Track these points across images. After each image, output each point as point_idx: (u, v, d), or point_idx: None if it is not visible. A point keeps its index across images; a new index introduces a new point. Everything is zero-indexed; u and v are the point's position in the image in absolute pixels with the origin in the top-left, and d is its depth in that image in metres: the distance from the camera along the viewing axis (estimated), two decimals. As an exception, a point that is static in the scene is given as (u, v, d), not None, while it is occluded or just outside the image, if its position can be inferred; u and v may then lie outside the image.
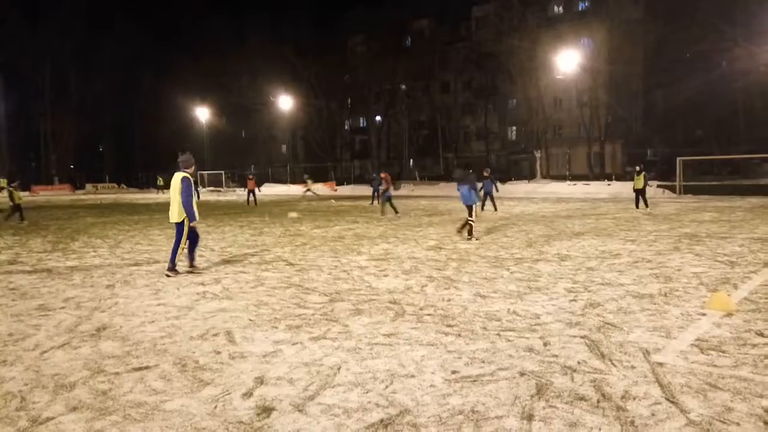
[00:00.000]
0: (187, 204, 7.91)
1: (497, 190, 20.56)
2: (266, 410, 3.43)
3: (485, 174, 19.52)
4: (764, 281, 7.03)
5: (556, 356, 4.37)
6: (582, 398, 3.55)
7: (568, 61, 37.88)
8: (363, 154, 67.77)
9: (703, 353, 4.38)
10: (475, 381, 3.89)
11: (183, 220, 8.03)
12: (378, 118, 64.36)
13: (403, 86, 60.86)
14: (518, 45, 46.44)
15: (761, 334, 4.82)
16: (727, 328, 5.04)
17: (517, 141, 57.15)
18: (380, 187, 19.45)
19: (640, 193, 19.39)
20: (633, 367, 4.09)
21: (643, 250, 9.88)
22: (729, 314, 5.46)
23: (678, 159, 29.28)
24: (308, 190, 37.92)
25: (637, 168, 19.58)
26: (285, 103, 55.97)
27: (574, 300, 6.25)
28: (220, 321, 5.58)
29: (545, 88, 48.14)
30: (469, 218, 11.73)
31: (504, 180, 37.92)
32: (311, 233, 14.12)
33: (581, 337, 4.85)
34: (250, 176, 28.18)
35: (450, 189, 38.44)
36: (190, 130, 71.08)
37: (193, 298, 6.63)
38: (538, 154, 42.32)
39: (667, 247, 10.17)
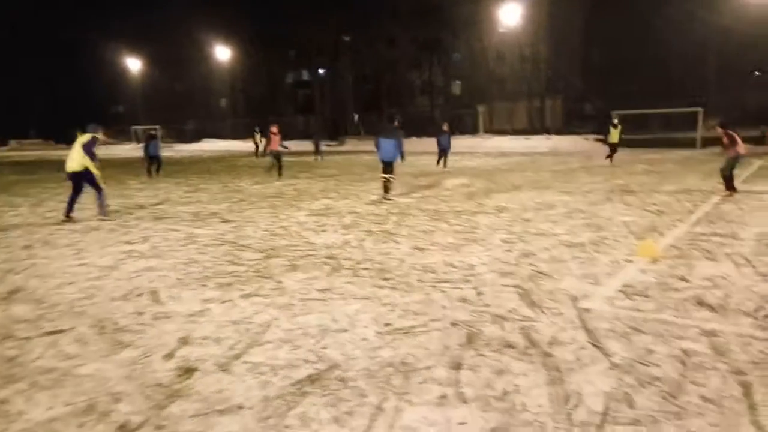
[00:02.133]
0: (90, 153, 8.95)
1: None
2: (188, 371, 3.28)
3: (444, 128, 18.78)
4: (688, 229, 7.33)
5: (488, 305, 4.39)
6: (510, 345, 3.58)
7: (510, 14, 37.79)
8: (306, 108, 66.20)
9: (628, 298, 4.51)
10: (407, 333, 3.85)
11: (87, 168, 8.98)
12: (321, 71, 62.72)
13: (347, 38, 59.32)
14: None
15: (684, 279, 5.00)
16: (652, 274, 5.21)
17: (461, 96, 57.16)
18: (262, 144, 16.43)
19: (614, 146, 18.91)
20: (561, 314, 4.15)
21: (577, 201, 10.13)
22: (655, 260, 5.65)
23: (612, 113, 30.02)
24: (258, 148, 29.84)
25: (614, 122, 19.02)
26: (222, 54, 53.61)
27: (509, 250, 6.32)
28: (146, 280, 5.31)
29: (488, 42, 48.06)
30: (391, 176, 10.97)
31: (433, 134, 37.91)
32: (250, 189, 13.72)
33: (513, 286, 4.89)
34: (153, 132, 23.85)
35: (394, 144, 38.22)
36: (122, 83, 67.36)
37: (118, 258, 6.29)
38: (481, 109, 42.56)
39: (600, 198, 10.46)
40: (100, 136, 9.27)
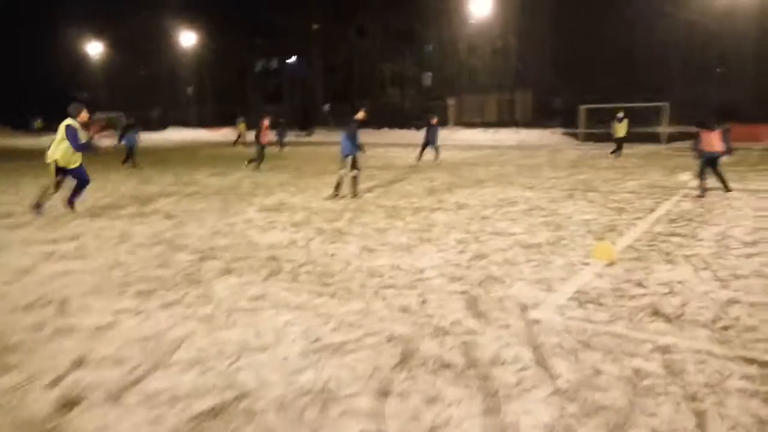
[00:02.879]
0: (81, 148, 8.35)
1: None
2: (71, 402, 2.83)
3: (433, 122, 18.06)
4: (648, 228, 7.11)
5: (431, 316, 4.03)
6: (447, 366, 3.22)
7: (480, 5, 37.54)
8: (275, 98, 65.03)
9: (580, 307, 4.20)
10: (336, 350, 3.46)
11: (81, 164, 8.60)
12: (290, 60, 61.63)
13: (316, 26, 58.32)
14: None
15: (640, 284, 4.73)
16: (608, 278, 4.92)
17: (432, 87, 56.80)
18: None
19: (620, 141, 18.79)
20: (507, 326, 3.82)
21: (539, 198, 9.86)
22: (611, 263, 5.38)
23: (580, 107, 30.13)
24: (239, 137, 30.02)
25: (620, 115, 18.74)
26: (189, 40, 52.18)
27: (462, 251, 5.98)
28: (60, 286, 4.80)
29: (459, 33, 47.77)
30: (342, 171, 10.15)
31: (419, 127, 37.59)
32: (205, 181, 13.14)
33: (461, 293, 4.55)
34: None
35: (365, 135, 37.72)
36: (84, 68, 65.13)
37: (37, 258, 5.74)
38: (450, 101, 42.31)
39: (562, 195, 10.23)
40: (81, 117, 8.40)
